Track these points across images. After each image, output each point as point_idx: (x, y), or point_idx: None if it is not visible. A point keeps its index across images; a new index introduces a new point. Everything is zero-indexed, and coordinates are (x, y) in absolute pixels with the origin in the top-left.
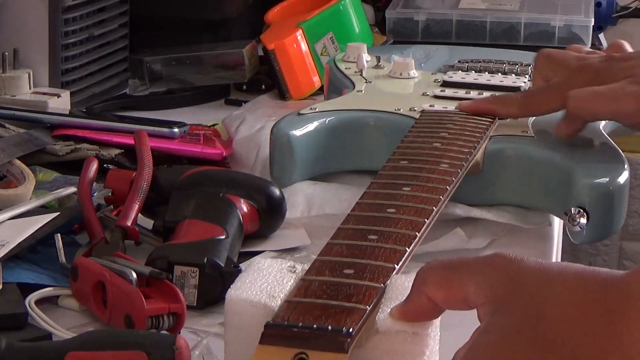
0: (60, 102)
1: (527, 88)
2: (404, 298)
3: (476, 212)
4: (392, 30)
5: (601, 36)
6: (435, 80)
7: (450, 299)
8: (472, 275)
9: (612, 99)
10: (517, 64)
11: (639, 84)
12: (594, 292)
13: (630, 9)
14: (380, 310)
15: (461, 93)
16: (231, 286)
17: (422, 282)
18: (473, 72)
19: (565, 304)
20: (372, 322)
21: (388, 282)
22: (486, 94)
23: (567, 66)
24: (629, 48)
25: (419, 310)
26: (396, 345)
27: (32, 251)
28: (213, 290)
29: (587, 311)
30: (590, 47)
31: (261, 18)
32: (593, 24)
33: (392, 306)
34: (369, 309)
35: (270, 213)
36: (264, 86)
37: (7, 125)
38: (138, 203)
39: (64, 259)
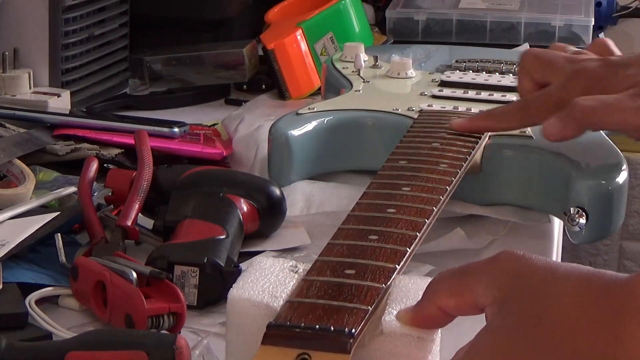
0: (61, 102)
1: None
2: (409, 299)
3: (475, 210)
4: (392, 30)
5: (601, 36)
6: (433, 80)
7: (462, 306)
8: (480, 277)
9: (619, 111)
10: (515, 64)
11: None
12: (597, 293)
13: (631, 9)
14: (386, 312)
15: (459, 93)
16: (233, 285)
17: (433, 292)
18: (471, 71)
19: (568, 304)
20: (376, 322)
21: (391, 282)
22: (484, 93)
23: (560, 69)
24: (613, 47)
25: (428, 319)
26: (399, 347)
27: (32, 251)
28: (213, 290)
29: (590, 312)
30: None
31: (261, 18)
32: (593, 23)
33: (397, 308)
34: (370, 309)
35: (271, 213)
36: (264, 86)
37: (7, 125)
38: (138, 203)
39: (64, 258)
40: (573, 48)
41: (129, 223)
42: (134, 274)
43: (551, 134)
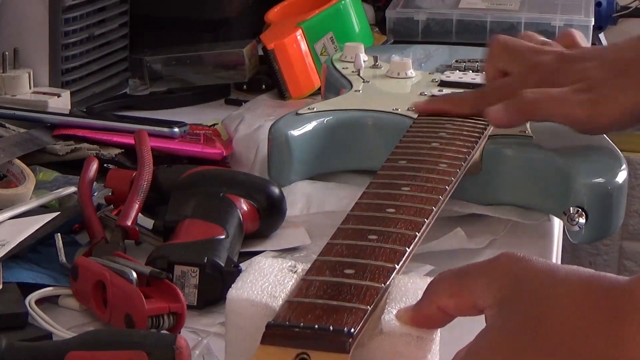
0: (61, 102)
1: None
2: (408, 299)
3: (475, 209)
4: (393, 30)
5: (601, 36)
6: (432, 80)
7: (461, 306)
8: (479, 278)
9: (561, 104)
10: None
11: (588, 90)
12: (597, 296)
13: (630, 9)
14: (385, 311)
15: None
16: (232, 286)
17: (433, 292)
18: (470, 71)
19: (568, 306)
20: (376, 322)
21: (390, 282)
22: None
23: (521, 60)
24: (579, 38)
25: (428, 319)
26: (399, 347)
27: (33, 251)
28: (213, 290)
29: (590, 314)
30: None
31: (261, 18)
32: (593, 23)
33: (396, 307)
34: (370, 309)
35: (271, 212)
36: (264, 86)
37: (7, 125)
38: (138, 203)
39: (64, 258)
40: (542, 38)
41: (129, 223)
42: (134, 274)
43: (494, 119)
